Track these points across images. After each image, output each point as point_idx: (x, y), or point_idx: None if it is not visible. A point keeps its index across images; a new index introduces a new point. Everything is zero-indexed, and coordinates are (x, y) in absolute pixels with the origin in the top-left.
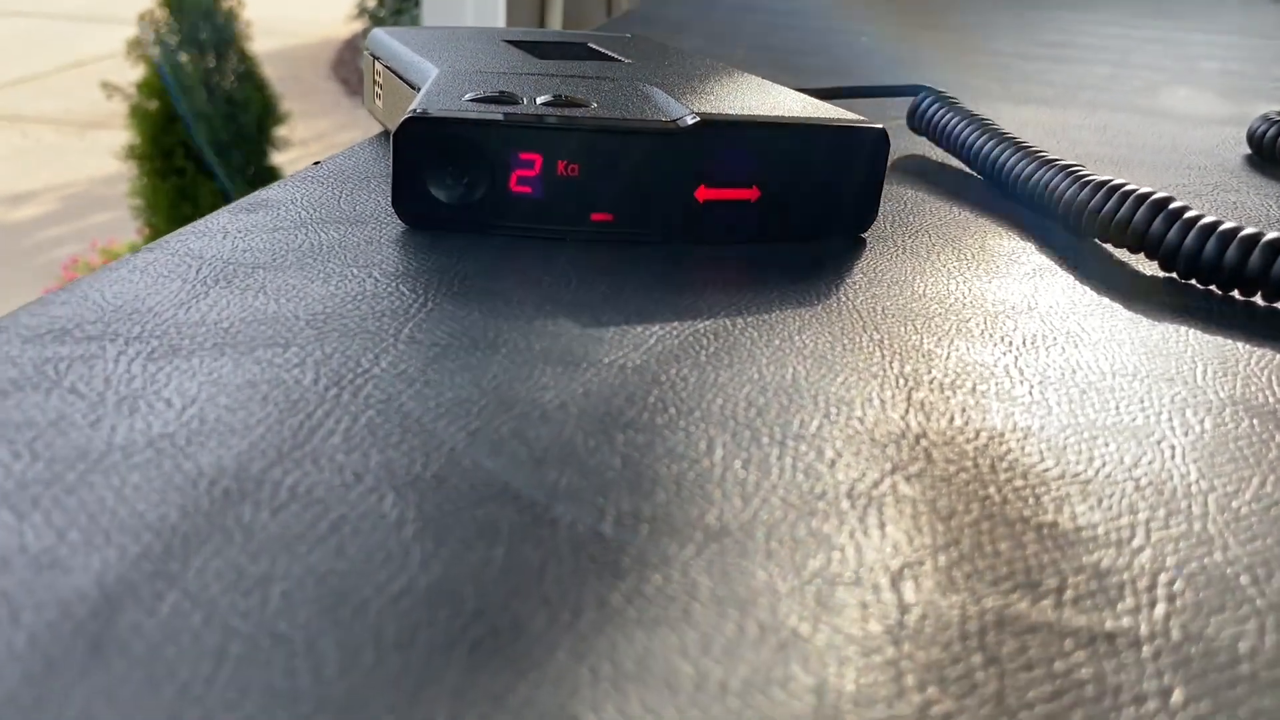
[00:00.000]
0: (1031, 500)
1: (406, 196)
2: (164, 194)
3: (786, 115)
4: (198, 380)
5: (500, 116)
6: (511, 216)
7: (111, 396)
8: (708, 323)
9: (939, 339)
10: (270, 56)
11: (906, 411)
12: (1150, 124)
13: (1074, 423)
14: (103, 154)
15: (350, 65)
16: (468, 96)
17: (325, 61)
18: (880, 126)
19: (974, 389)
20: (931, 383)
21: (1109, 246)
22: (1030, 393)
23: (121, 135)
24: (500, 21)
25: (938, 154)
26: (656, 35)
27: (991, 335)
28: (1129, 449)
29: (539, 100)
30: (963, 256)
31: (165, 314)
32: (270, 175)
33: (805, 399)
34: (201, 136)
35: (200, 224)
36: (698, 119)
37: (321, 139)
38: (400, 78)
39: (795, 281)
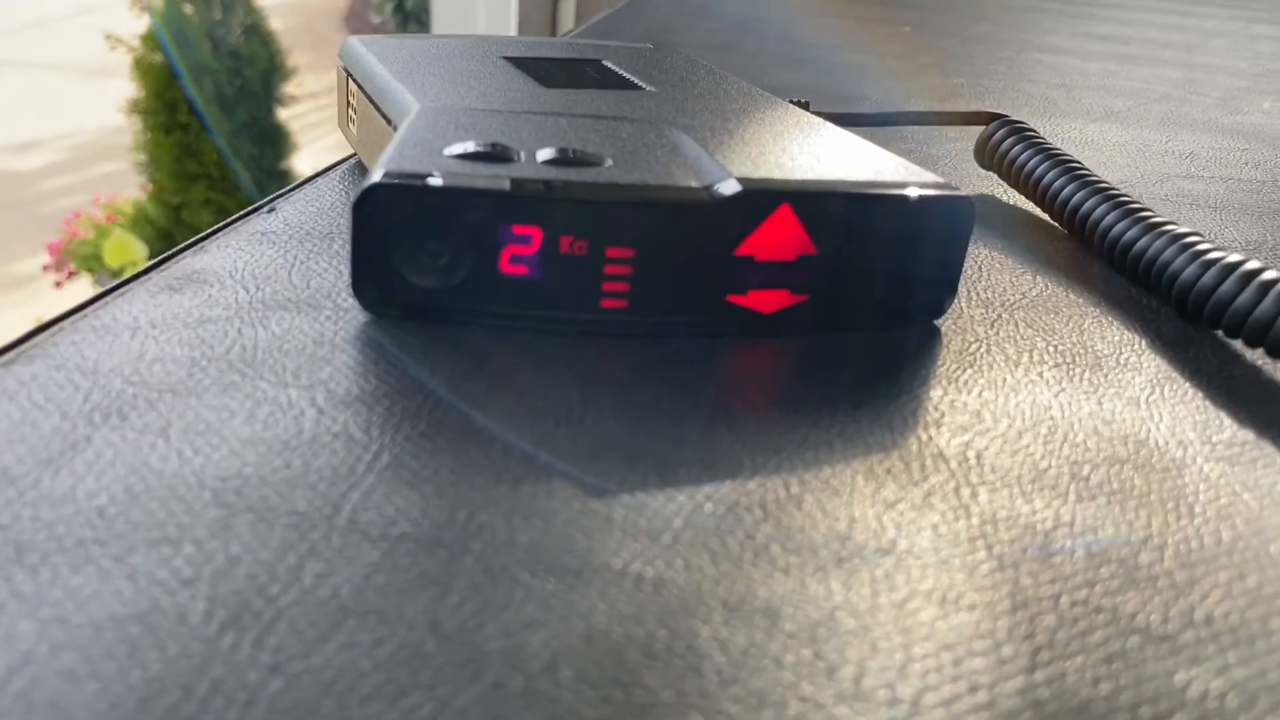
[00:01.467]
0: None
1: (369, 280)
2: (167, 149)
3: (848, 179)
4: (40, 615)
5: (489, 182)
6: (501, 303)
7: None
8: (752, 485)
9: (1055, 511)
10: (281, 6)
11: (1032, 669)
12: (1240, 149)
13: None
14: (111, 103)
15: (363, 16)
16: (450, 151)
17: (337, 12)
18: (968, 196)
19: (1114, 613)
20: (1061, 605)
21: (1236, 342)
22: (1193, 635)
23: (130, 85)
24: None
25: (1009, 194)
26: (678, 35)
27: (1121, 505)
28: None
29: (540, 156)
30: (1059, 357)
31: (25, 481)
32: (276, 132)
33: (895, 646)
34: (205, 93)
35: (108, 309)
36: (738, 187)
37: (331, 92)
38: (375, 105)
39: (860, 406)
